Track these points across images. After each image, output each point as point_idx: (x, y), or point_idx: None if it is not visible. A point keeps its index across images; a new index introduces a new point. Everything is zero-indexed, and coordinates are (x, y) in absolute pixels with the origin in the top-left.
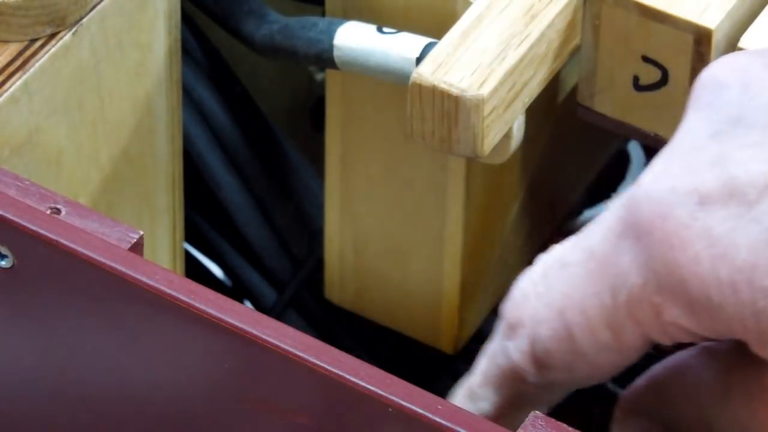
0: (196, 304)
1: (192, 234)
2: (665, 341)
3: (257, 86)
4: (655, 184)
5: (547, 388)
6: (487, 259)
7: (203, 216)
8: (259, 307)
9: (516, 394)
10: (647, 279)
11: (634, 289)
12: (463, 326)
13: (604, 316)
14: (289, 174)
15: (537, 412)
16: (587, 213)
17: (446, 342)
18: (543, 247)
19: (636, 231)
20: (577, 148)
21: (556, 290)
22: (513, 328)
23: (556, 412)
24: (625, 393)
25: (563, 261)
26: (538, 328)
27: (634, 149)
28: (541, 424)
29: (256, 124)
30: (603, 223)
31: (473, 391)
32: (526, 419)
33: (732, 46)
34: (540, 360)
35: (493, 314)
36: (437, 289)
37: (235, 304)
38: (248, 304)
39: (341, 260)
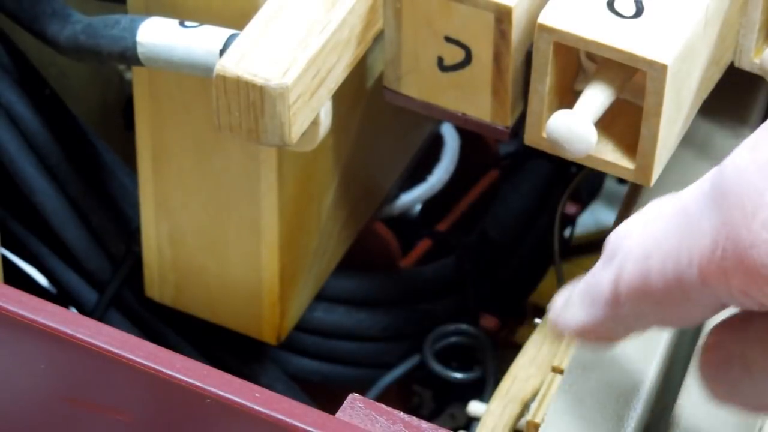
0: (8, 307)
1: (10, 240)
2: (737, 306)
3: (67, 88)
4: (741, 154)
5: (622, 322)
6: (305, 248)
7: (20, 221)
8: (83, 311)
9: (602, 316)
10: (717, 244)
11: (706, 252)
12: (285, 316)
13: (679, 272)
14: (103, 174)
15: (355, 394)
16: (404, 197)
17: (269, 332)
18: (361, 232)
19: (717, 196)
20: (390, 132)
21: (650, 234)
22: (609, 258)
23: (380, 392)
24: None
25: (662, 209)
26: (626, 263)
27: (448, 131)
28: (359, 406)
29: (67, 126)
30: (700, 183)
31: (571, 298)
32: (345, 401)
33: (531, 23)
34: (618, 294)
35: (315, 302)
36: (256, 280)
37: (48, 304)
38: (73, 310)
39: (159, 257)
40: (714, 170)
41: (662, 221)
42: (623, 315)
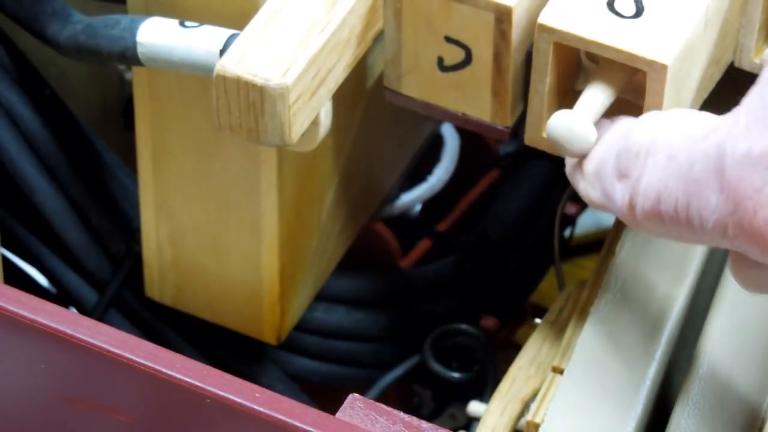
0: (8, 307)
1: (10, 240)
2: None
3: (68, 88)
4: (737, 137)
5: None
6: (305, 248)
7: (20, 221)
8: (83, 311)
9: (618, 215)
10: (727, 226)
11: (718, 226)
12: (285, 316)
13: (690, 224)
14: (103, 174)
15: (355, 394)
16: (404, 197)
17: (269, 332)
18: (361, 232)
19: (721, 181)
20: (390, 133)
21: (659, 174)
22: (621, 175)
23: (380, 392)
24: None
25: (672, 152)
26: (636, 196)
27: (448, 131)
28: (359, 406)
29: (67, 126)
30: (706, 141)
31: (588, 177)
32: (345, 401)
33: (531, 23)
34: (633, 215)
35: (315, 302)
36: (257, 280)
37: (48, 304)
38: (73, 310)
39: (159, 257)
40: (715, 143)
41: (672, 165)
42: (639, 226)
